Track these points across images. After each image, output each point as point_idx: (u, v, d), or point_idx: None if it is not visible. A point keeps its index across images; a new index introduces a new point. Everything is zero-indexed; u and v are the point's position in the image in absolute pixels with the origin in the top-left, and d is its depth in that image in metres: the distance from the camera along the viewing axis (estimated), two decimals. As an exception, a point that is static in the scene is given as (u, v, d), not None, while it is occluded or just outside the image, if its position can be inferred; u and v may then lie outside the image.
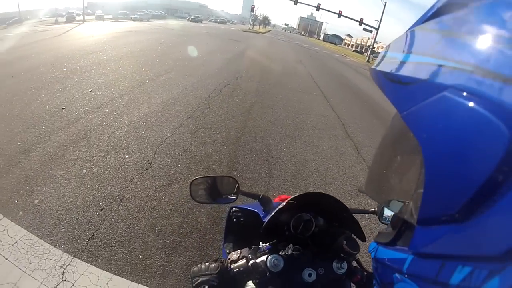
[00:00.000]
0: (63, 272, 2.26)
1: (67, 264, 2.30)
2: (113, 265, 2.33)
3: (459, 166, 0.35)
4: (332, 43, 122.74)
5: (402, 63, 0.49)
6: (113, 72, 8.19)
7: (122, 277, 2.25)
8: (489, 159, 0.32)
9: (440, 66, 0.40)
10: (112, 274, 2.26)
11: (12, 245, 2.44)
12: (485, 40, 0.37)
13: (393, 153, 0.63)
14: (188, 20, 52.81)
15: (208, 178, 1.17)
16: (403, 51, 0.51)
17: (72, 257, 2.37)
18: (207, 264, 0.86)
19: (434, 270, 0.41)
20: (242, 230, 1.35)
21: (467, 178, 0.34)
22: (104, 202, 2.98)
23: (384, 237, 0.64)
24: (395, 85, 0.49)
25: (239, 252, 0.96)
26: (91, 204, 2.93)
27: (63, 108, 5.29)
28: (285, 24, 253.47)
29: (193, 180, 1.12)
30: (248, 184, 3.61)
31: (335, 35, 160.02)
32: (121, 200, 3.04)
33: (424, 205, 0.41)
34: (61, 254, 2.39)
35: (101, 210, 2.87)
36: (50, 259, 2.36)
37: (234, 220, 1.36)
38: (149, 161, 3.81)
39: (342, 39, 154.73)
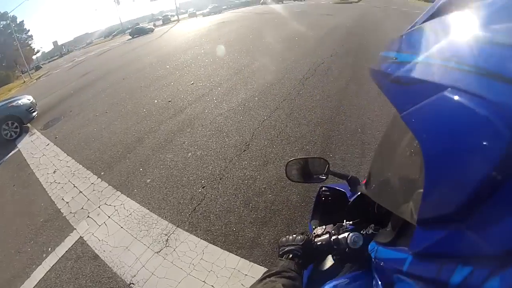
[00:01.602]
0: (167, 239, 2.63)
1: (171, 233, 2.68)
2: (209, 235, 2.59)
3: (459, 166, 0.35)
4: None
5: (402, 63, 0.49)
6: (211, 63, 8.82)
7: (216, 246, 2.48)
8: (489, 159, 0.32)
9: (440, 66, 0.40)
10: (208, 243, 2.52)
11: (127, 216, 2.99)
12: (485, 40, 0.37)
13: (392, 153, 0.64)
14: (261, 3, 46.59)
15: (301, 160, 1.25)
16: (403, 51, 0.53)
17: (176, 227, 2.73)
18: (294, 236, 0.93)
19: (434, 270, 0.41)
20: (329, 208, 1.40)
21: (467, 178, 0.34)
22: (205, 180, 3.31)
23: (384, 237, 0.66)
24: (395, 85, 0.49)
25: (324, 227, 1.00)
26: (195, 182, 3.30)
27: (169, 101, 6.03)
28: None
29: (288, 162, 1.21)
30: (340, 165, 3.51)
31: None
32: (220, 179, 3.32)
33: (424, 205, 0.41)
34: (167, 224, 2.79)
35: (203, 187, 3.19)
36: (157, 228, 2.78)
37: (323, 198, 1.42)
38: (247, 143, 4.03)
39: None
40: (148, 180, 3.55)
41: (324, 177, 1.20)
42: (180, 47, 12.81)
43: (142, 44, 17.06)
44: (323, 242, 0.91)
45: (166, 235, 2.69)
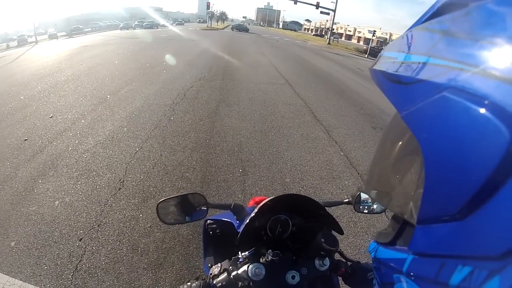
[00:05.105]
0: (53, 312, 2.17)
1: (55, 303, 2.22)
2: (101, 294, 2.27)
3: (459, 166, 0.36)
4: (291, 30, 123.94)
5: (402, 63, 0.50)
6: (72, 92, 7.88)
7: (114, 304, 2.20)
8: (489, 160, 0.32)
9: (440, 66, 0.41)
10: (102, 304, 2.20)
11: (-5, 294, 2.33)
12: (486, 40, 0.37)
13: (392, 153, 0.63)
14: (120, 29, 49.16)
15: (174, 198, 1.12)
16: (403, 51, 0.52)
17: (59, 294, 2.28)
18: (189, 284, 0.86)
19: (434, 270, 0.41)
20: (220, 242, 1.35)
21: (467, 178, 0.34)
22: (82, 231, 2.91)
23: (384, 237, 0.64)
24: (395, 85, 0.50)
25: (219, 265, 0.95)
26: (69, 236, 2.85)
27: (25, 139, 5.04)
28: (243, 17, 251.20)
29: (159, 203, 1.07)
30: (224, 186, 3.62)
31: (294, 21, 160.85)
32: (98, 226, 2.97)
33: (424, 205, 0.41)
34: (48, 294, 2.29)
35: (80, 240, 2.79)
36: (38, 301, 2.25)
37: (211, 232, 1.36)
38: (121, 180, 3.74)
39: (301, 25, 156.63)
40: (13, 243, 2.86)
41: (205, 208, 1.11)
42: (37, 73, 10.84)
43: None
44: (224, 283, 0.86)
45: (50, 308, 2.22)
